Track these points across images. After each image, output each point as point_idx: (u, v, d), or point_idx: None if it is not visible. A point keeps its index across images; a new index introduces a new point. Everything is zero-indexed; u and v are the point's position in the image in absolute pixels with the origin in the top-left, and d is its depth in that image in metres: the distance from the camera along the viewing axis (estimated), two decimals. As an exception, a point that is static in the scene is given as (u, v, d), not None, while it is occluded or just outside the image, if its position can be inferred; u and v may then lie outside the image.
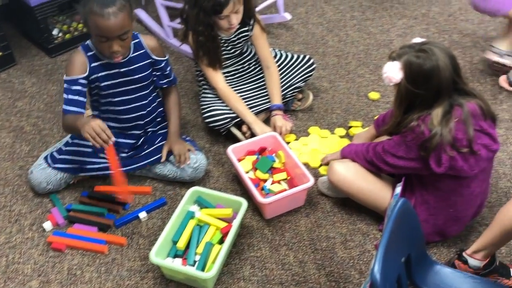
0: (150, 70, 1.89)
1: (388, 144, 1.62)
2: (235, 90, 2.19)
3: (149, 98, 1.94)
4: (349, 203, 1.87)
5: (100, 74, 1.79)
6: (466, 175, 1.54)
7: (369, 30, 2.96)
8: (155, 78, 1.94)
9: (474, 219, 1.76)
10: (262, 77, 2.25)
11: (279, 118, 2.14)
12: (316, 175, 2.03)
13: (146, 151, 1.96)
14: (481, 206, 1.73)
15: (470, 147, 1.48)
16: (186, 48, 2.59)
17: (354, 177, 1.75)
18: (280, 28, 3.01)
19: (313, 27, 3.02)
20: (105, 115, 1.91)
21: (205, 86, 2.21)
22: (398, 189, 1.24)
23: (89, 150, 1.91)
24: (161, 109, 2.03)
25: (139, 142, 1.98)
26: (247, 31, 2.12)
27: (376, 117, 2.25)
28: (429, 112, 1.48)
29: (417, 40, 1.57)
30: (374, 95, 2.43)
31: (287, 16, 2.95)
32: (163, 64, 1.91)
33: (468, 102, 1.50)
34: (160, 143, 1.97)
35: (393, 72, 1.50)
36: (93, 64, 1.77)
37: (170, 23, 2.81)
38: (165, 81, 1.96)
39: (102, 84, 1.81)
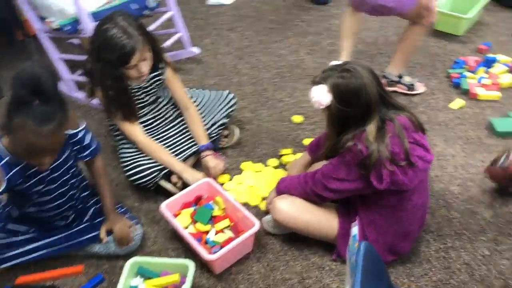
0: (69, 152, 1.64)
1: (327, 169, 1.59)
2: (157, 138, 2.05)
3: (75, 179, 1.73)
4: (297, 237, 1.80)
5: (20, 182, 1.51)
6: (407, 188, 1.54)
7: (278, 52, 2.96)
8: (74, 153, 1.68)
9: (420, 231, 1.77)
10: (183, 119, 2.13)
11: (210, 158, 2.03)
12: (258, 213, 1.94)
13: (79, 228, 1.75)
14: (425, 217, 1.75)
15: (407, 160, 1.48)
16: (95, 100, 2.39)
17: (298, 211, 1.69)
18: (190, 63, 2.91)
19: (223, 57, 2.96)
20: (24, 208, 1.68)
21: (122, 141, 2.04)
22: (355, 229, 1.19)
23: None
24: (87, 182, 1.84)
25: (69, 220, 1.77)
26: (159, 75, 2.00)
27: (304, 141, 2.23)
28: (363, 130, 1.48)
29: (335, 62, 1.58)
30: (297, 118, 2.41)
31: (195, 50, 2.86)
32: (80, 136, 1.66)
33: (398, 116, 1.52)
34: (95, 220, 1.78)
35: (322, 95, 1.49)
36: (10, 174, 1.46)
37: (72, 76, 2.60)
38: (87, 152, 1.71)
39: (24, 190, 1.55)
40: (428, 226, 1.84)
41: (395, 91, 2.50)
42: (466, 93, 2.49)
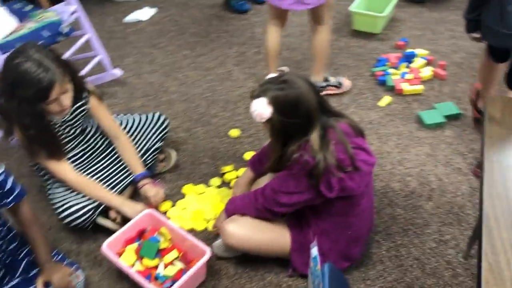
0: None
1: (275, 183, 1.56)
2: (89, 173, 1.91)
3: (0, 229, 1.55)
4: (251, 256, 1.75)
5: None
6: (356, 193, 1.55)
7: (206, 66, 2.90)
8: None
9: (370, 233, 1.78)
10: (114, 149, 2.00)
11: (149, 187, 1.93)
12: (208, 237, 1.86)
13: (11, 284, 1.57)
14: (373, 218, 1.77)
15: (353, 165, 1.49)
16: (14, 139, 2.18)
17: (249, 232, 1.64)
18: (114, 86, 2.76)
19: (148, 76, 2.85)
20: None
21: (50, 180, 1.88)
22: (314, 250, 1.16)
23: None
24: (14, 231, 1.65)
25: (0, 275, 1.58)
26: (83, 105, 1.86)
27: (245, 155, 2.19)
28: (306, 139, 1.47)
29: (271, 75, 1.57)
30: (234, 133, 2.36)
31: (117, 72, 2.72)
32: (0, 181, 1.48)
33: (338, 122, 1.53)
34: (29, 274, 1.61)
35: (262, 108, 1.47)
36: None
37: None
38: (10, 198, 1.52)
39: None
40: (375, 226, 1.86)
41: (327, 94, 2.53)
42: (392, 90, 2.57)
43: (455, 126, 2.32)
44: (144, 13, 3.46)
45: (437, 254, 1.76)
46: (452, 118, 2.35)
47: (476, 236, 1.67)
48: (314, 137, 1.46)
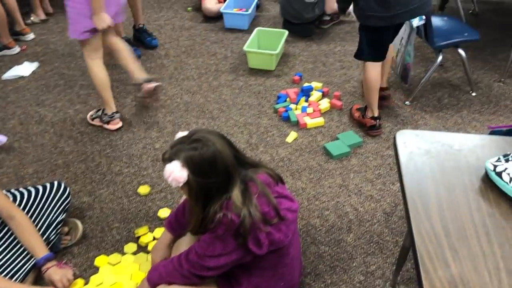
0: None
1: (200, 247, 1.46)
2: (-21, 264, 1.65)
3: None
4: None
5: None
6: (284, 244, 1.50)
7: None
8: None
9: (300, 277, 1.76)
10: (9, 230, 1.76)
11: (54, 271, 1.72)
12: (130, 313, 1.70)
13: None
14: (301, 263, 1.75)
15: (278, 216, 1.45)
16: None
17: (179, 301, 1.52)
18: (-2, 154, 2.47)
19: (38, 137, 2.59)
20: None
21: None
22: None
23: None
24: None
25: None
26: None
27: (159, 213, 2.07)
28: (228, 197, 1.40)
29: (181, 134, 1.48)
30: (144, 189, 2.22)
31: (2, 138, 2.44)
32: None
33: (257, 174, 1.48)
34: None
35: (177, 172, 1.37)
36: None
37: None
38: None
39: None
40: (304, 268, 1.84)
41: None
42: (296, 125, 2.62)
43: (359, 154, 2.42)
44: (25, 69, 3.18)
45: (366, 286, 1.78)
46: (355, 146, 2.45)
47: (400, 264, 1.73)
48: (236, 193, 1.40)
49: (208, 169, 1.39)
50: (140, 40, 3.43)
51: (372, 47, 2.32)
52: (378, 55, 2.35)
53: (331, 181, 2.26)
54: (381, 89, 2.54)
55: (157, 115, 2.74)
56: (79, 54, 3.36)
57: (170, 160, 1.40)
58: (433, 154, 1.32)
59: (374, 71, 2.36)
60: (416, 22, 2.48)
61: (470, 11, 3.80)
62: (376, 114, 2.50)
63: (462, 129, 2.55)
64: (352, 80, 3.01)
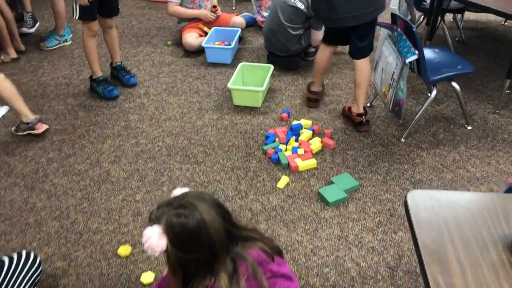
0: None
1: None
2: None
3: None
4: None
5: None
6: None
7: (77, 169, 2.51)
8: None
9: None
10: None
11: None
12: None
13: None
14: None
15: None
16: None
17: None
18: (-39, 213, 2.24)
19: (6, 192, 2.36)
20: None
21: None
22: None
23: None
24: None
25: None
26: None
27: (142, 278, 1.87)
28: (213, 278, 1.20)
29: (177, 191, 1.29)
30: (124, 250, 2.01)
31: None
32: None
33: (250, 250, 1.29)
34: None
35: (155, 239, 1.18)
36: None
37: None
38: None
39: None
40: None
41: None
42: (287, 168, 2.46)
43: (356, 199, 2.26)
44: (-8, 113, 2.97)
45: None
46: (351, 190, 2.29)
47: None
48: (223, 276, 1.20)
49: (188, 242, 1.19)
50: (118, 78, 3.25)
51: (328, 34, 2.73)
52: (330, 41, 2.72)
53: (329, 231, 2.09)
54: (358, 115, 2.70)
55: (138, 161, 2.55)
56: (52, 95, 3.17)
57: (152, 222, 1.21)
58: (450, 221, 1.17)
59: (323, 53, 2.77)
60: (410, 57, 2.37)
61: (457, 38, 3.74)
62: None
63: (462, 167, 2.43)
64: (342, 116, 2.88)
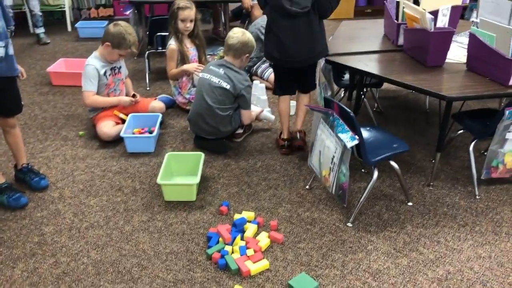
0: None
1: None
2: None
3: None
4: None
5: None
6: None
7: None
8: None
9: None
10: None
11: None
12: None
13: None
14: None
15: None
16: None
17: None
18: None
19: None
20: None
21: None
22: None
23: None
24: None
25: None
26: None
27: None
28: None
29: None
30: None
31: None
32: None
33: None
34: None
35: None
36: None
37: None
38: None
39: None
40: None
41: None
42: (238, 273, 2.21)
43: (319, 302, 2.07)
44: None
45: None
46: (312, 293, 2.10)
47: None
48: None
49: None
50: (25, 181, 2.81)
51: (280, 83, 3.16)
52: (284, 90, 3.17)
53: None
54: (297, 131, 3.23)
55: (62, 286, 2.13)
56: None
57: None
58: None
59: (283, 103, 3.21)
60: (350, 143, 2.32)
61: (374, 109, 3.86)
62: (285, 136, 3.22)
63: (414, 250, 2.36)
64: (283, 202, 2.73)
